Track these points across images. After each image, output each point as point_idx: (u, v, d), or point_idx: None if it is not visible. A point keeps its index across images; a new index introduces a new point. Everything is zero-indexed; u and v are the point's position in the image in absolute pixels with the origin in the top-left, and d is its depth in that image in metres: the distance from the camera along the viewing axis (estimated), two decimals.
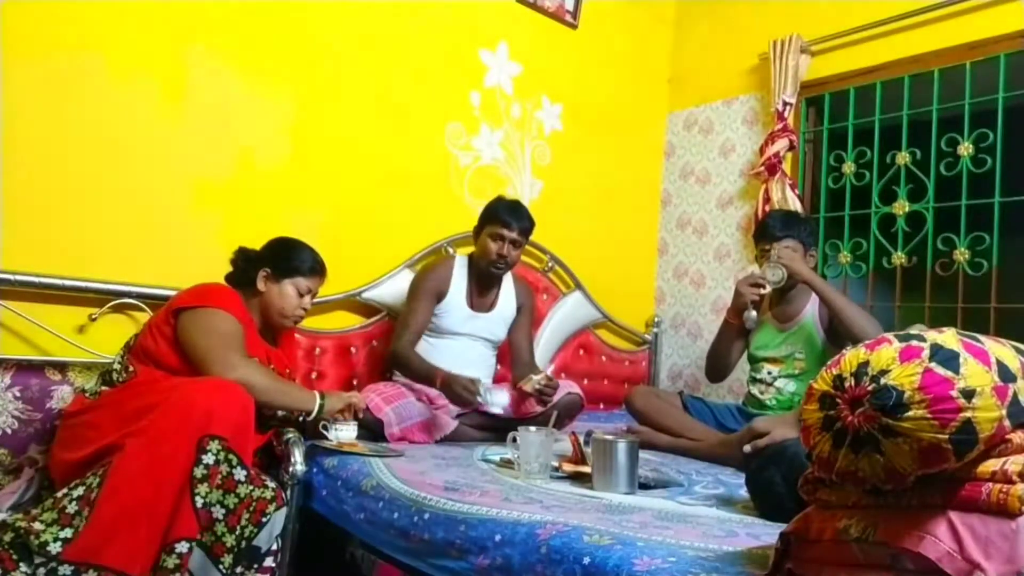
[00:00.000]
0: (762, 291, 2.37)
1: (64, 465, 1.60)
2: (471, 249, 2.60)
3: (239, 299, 1.89)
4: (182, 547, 1.43)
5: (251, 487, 1.55)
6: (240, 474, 1.53)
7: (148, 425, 1.50)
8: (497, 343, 2.60)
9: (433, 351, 2.44)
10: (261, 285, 1.94)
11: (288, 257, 1.97)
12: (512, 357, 2.61)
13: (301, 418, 2.00)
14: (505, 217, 2.41)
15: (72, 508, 1.44)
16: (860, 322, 2.20)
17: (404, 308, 2.48)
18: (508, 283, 2.60)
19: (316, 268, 2.00)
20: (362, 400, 2.07)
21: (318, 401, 1.89)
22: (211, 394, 1.55)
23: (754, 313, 2.40)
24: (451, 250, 2.83)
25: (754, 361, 2.54)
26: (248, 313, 1.91)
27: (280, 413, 1.95)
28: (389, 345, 2.43)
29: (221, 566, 1.48)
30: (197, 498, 1.47)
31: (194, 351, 1.72)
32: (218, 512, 1.50)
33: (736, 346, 2.57)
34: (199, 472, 1.48)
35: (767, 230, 2.45)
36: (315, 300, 2.47)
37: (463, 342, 2.50)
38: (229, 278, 1.97)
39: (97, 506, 1.42)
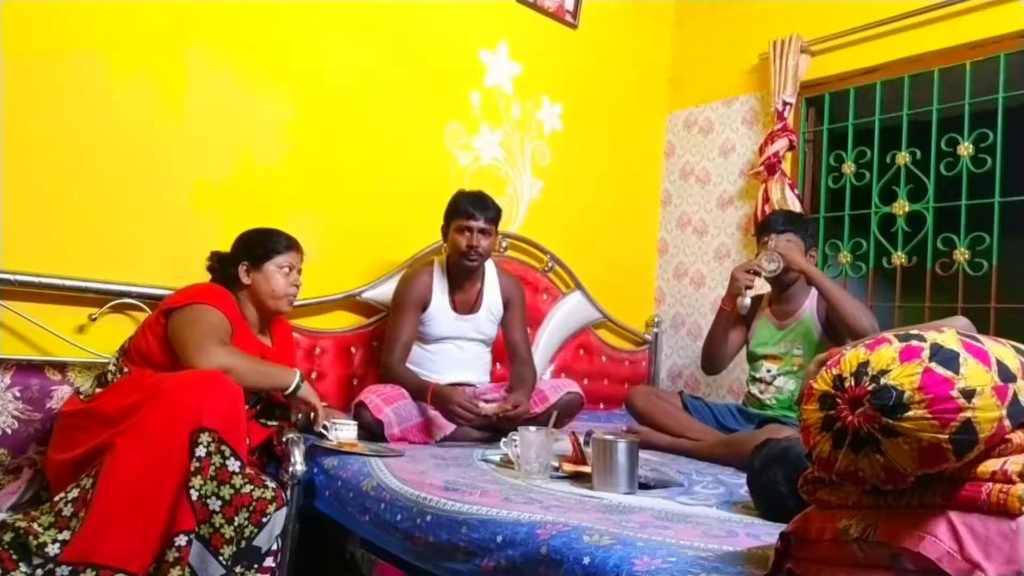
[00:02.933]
0: (757, 277, 2.40)
1: (57, 465, 1.60)
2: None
3: (230, 297, 1.89)
4: (180, 540, 1.44)
5: (248, 482, 1.55)
6: (234, 465, 1.53)
7: (137, 422, 1.50)
8: (489, 341, 2.59)
9: (428, 358, 2.44)
10: (245, 279, 1.95)
11: (259, 243, 1.99)
12: (509, 355, 2.59)
13: (296, 419, 1.99)
14: (468, 208, 2.36)
15: (68, 511, 1.44)
16: (856, 314, 2.21)
17: (390, 322, 2.46)
18: (492, 279, 2.56)
19: (290, 244, 2.02)
20: (326, 416, 2.01)
21: (296, 380, 1.85)
22: (199, 387, 1.55)
23: (747, 300, 2.43)
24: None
25: (753, 359, 2.54)
26: (240, 311, 1.92)
27: (282, 414, 1.95)
28: (381, 360, 2.43)
29: (220, 557, 1.48)
30: (192, 491, 1.47)
31: (176, 344, 1.73)
32: (214, 504, 1.50)
33: (732, 337, 2.57)
34: (193, 465, 1.48)
35: (770, 224, 2.48)
36: (318, 300, 2.51)
37: (455, 345, 2.49)
38: (214, 282, 1.98)
39: (91, 506, 1.42)
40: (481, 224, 2.36)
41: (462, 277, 2.48)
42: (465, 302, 2.50)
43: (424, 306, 2.43)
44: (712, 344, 2.58)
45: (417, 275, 2.47)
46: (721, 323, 2.54)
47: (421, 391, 2.24)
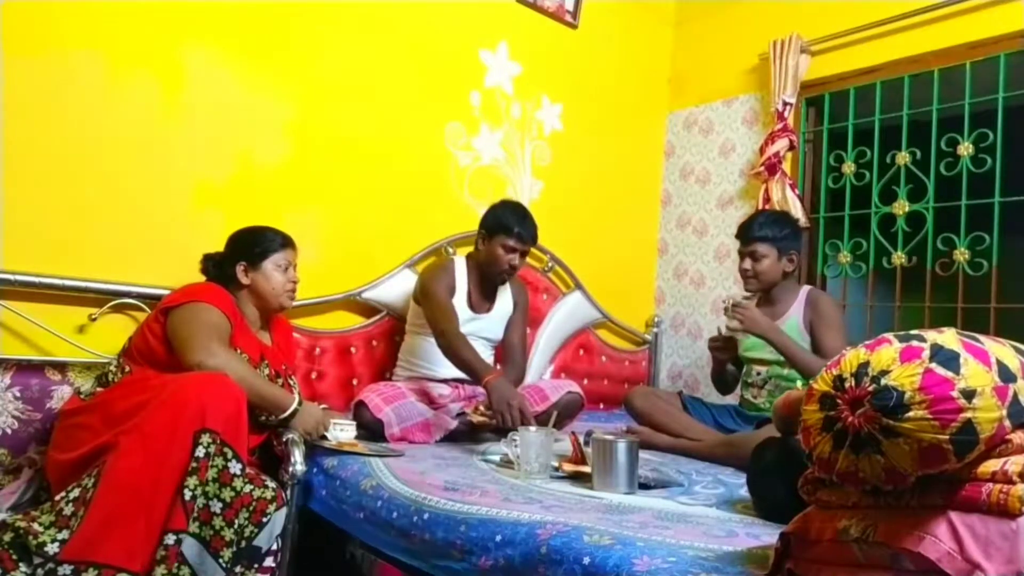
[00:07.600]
0: (729, 340, 2.46)
1: (58, 466, 1.60)
2: (468, 249, 2.58)
3: (227, 296, 1.89)
4: (169, 539, 1.44)
5: (248, 483, 1.55)
6: (235, 467, 1.53)
7: (141, 422, 1.50)
8: (496, 342, 2.59)
9: (437, 352, 2.43)
10: (244, 279, 1.95)
11: (255, 243, 1.99)
12: (504, 355, 2.60)
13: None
14: (518, 229, 2.37)
15: (69, 510, 1.44)
16: (814, 373, 2.21)
17: (431, 304, 2.35)
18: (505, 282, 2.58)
19: (284, 241, 2.03)
20: (327, 423, 1.98)
21: (295, 405, 1.85)
22: (202, 388, 1.55)
23: (732, 366, 2.58)
24: (451, 250, 2.83)
25: (745, 363, 2.54)
26: (238, 309, 1.91)
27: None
28: (438, 329, 2.27)
29: (220, 560, 1.48)
30: (186, 491, 1.47)
31: (175, 341, 1.73)
32: (215, 506, 1.50)
33: (731, 369, 2.64)
34: (191, 465, 1.48)
35: (744, 230, 2.46)
36: (317, 300, 2.51)
37: None
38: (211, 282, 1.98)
39: (92, 504, 1.42)
40: (525, 247, 2.43)
41: (486, 283, 2.51)
42: (481, 303, 2.53)
43: (451, 295, 2.44)
44: (718, 381, 2.67)
45: (444, 266, 2.50)
46: (719, 368, 2.61)
47: (476, 372, 2.14)
